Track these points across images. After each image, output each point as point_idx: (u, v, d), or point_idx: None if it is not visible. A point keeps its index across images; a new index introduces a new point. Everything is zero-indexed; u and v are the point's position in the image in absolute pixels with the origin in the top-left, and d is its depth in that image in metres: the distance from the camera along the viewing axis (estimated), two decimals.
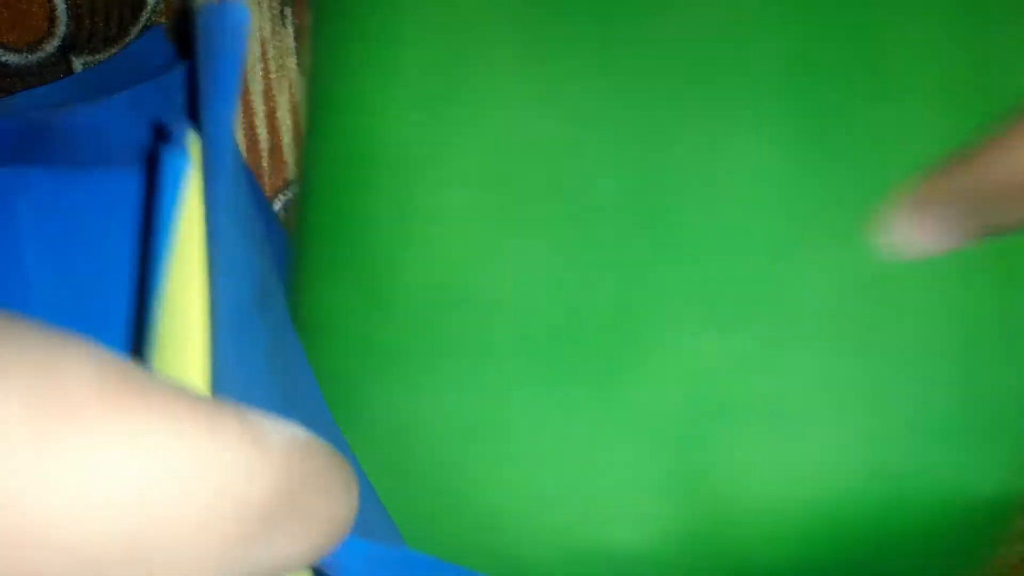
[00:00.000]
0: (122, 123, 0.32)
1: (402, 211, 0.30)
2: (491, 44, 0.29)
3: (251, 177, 0.38)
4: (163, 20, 0.38)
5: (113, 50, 0.38)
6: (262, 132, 0.39)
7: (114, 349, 0.13)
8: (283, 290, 0.33)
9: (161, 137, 0.28)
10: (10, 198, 0.29)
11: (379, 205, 0.30)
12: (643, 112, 0.28)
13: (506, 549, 0.28)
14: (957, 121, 0.27)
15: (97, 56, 0.38)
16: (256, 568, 0.13)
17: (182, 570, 0.12)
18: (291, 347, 0.31)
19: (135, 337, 0.28)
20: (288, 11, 0.38)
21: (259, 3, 0.38)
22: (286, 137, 0.39)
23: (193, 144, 0.21)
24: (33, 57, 0.38)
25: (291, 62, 0.38)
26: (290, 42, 0.38)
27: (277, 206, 0.39)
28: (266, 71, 0.39)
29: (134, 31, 0.38)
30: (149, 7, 0.38)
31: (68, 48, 0.38)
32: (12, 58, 0.38)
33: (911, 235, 0.26)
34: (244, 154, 0.39)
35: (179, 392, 0.13)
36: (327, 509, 0.15)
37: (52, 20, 0.38)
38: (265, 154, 0.39)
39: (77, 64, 0.38)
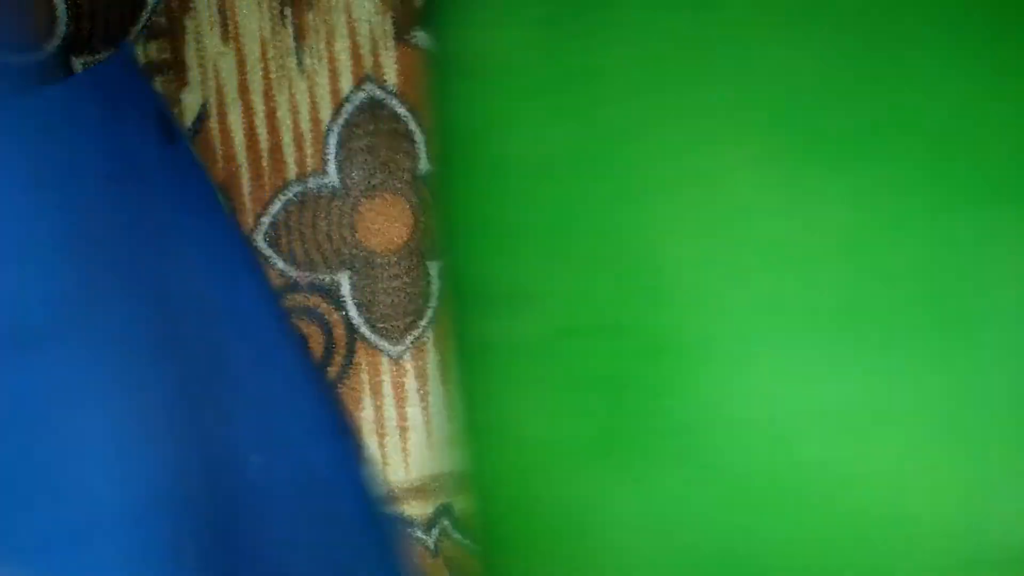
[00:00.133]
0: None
1: None
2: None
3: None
4: (162, 20, 0.38)
5: (113, 50, 0.38)
6: (262, 132, 0.39)
7: None
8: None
9: None
10: None
11: None
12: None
13: None
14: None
15: (97, 56, 0.38)
16: None
17: None
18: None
19: None
20: (288, 11, 0.38)
21: (259, 3, 0.38)
22: (286, 137, 0.39)
23: None
24: (33, 57, 0.38)
25: (291, 62, 0.38)
26: (290, 42, 0.38)
27: (277, 206, 0.39)
28: (266, 71, 0.39)
29: (134, 31, 0.38)
30: (149, 7, 0.38)
31: (68, 48, 0.38)
32: (12, 58, 0.38)
33: None
34: (244, 154, 0.39)
35: None
36: None
37: (52, 20, 0.38)
38: (265, 154, 0.39)
39: (77, 64, 0.38)
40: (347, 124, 0.39)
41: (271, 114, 0.39)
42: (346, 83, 0.39)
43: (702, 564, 0.26)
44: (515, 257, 0.28)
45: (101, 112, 0.34)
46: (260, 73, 0.39)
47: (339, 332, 0.39)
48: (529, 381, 0.28)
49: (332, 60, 0.39)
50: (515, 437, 0.29)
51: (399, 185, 0.39)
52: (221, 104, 0.39)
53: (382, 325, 0.39)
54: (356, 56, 0.39)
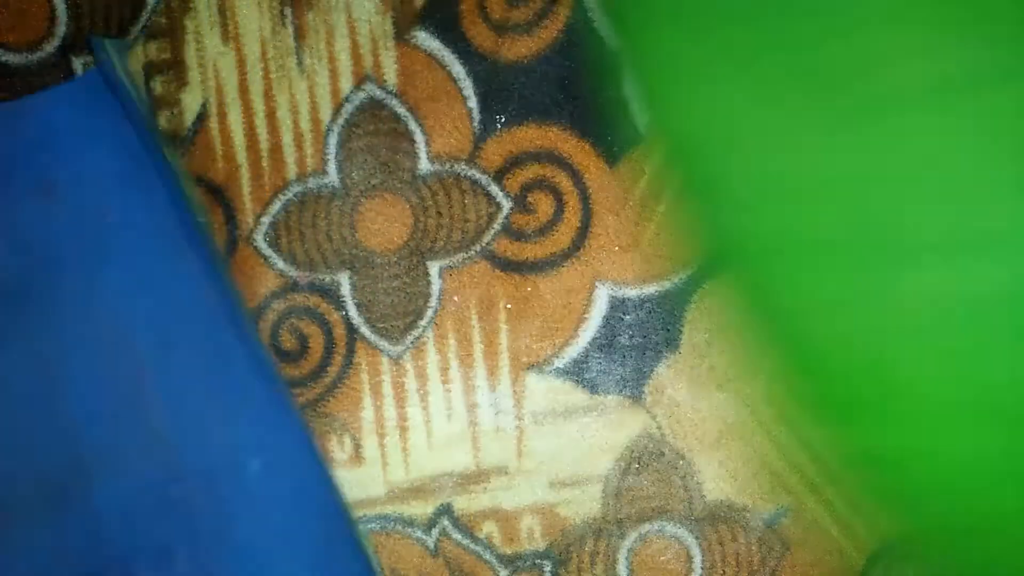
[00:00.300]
0: None
1: None
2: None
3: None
4: (162, 19, 0.38)
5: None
6: (262, 132, 0.39)
7: None
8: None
9: None
10: None
11: None
12: None
13: None
14: None
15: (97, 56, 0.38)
16: None
17: None
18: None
19: None
20: (288, 11, 0.38)
21: (259, 3, 0.38)
22: (286, 137, 0.39)
23: None
24: (33, 57, 0.38)
25: (291, 62, 0.38)
26: (290, 42, 0.38)
27: (277, 206, 0.39)
28: (266, 71, 0.39)
29: (134, 31, 0.38)
30: (149, 7, 0.38)
31: (68, 48, 0.38)
32: (12, 58, 0.38)
33: None
34: (244, 154, 0.39)
35: None
36: None
37: (52, 20, 0.38)
38: (265, 154, 0.39)
39: (77, 64, 0.38)
40: (347, 124, 0.39)
41: (271, 114, 0.39)
42: (346, 83, 0.39)
43: None
44: None
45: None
46: (260, 73, 0.39)
47: (339, 332, 0.39)
48: None
49: (332, 60, 0.39)
50: None
51: (399, 185, 0.39)
52: (221, 104, 0.39)
53: (382, 325, 0.39)
54: (356, 56, 0.39)
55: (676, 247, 0.40)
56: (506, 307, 0.40)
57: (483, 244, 0.39)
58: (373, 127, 0.39)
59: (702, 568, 0.41)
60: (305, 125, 0.39)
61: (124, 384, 0.35)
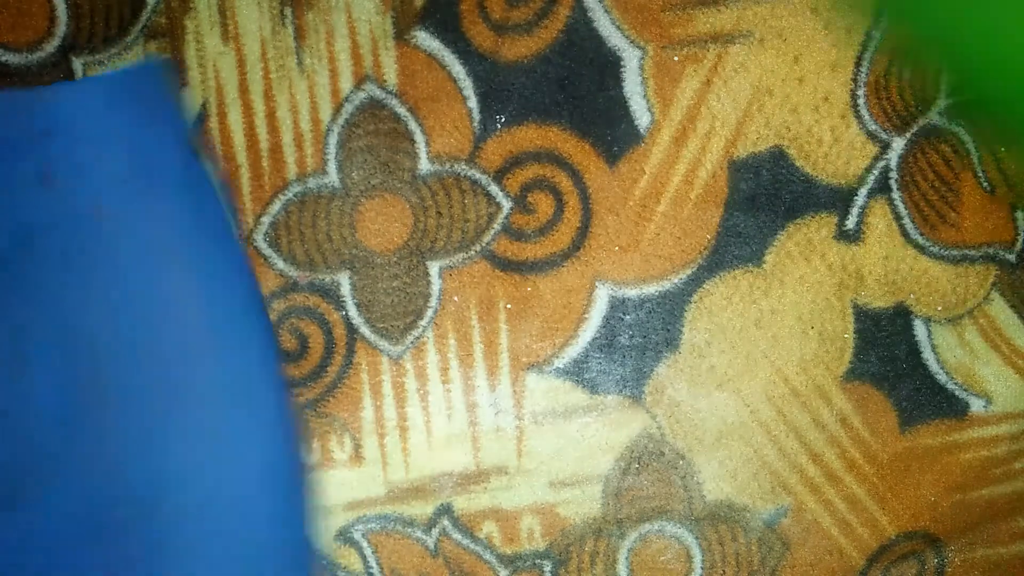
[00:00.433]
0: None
1: None
2: None
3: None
4: (163, 20, 0.38)
5: (113, 50, 0.38)
6: (262, 132, 0.39)
7: None
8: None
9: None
10: None
11: None
12: None
13: None
14: None
15: (97, 56, 0.38)
16: None
17: None
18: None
19: None
20: (288, 11, 0.38)
21: (259, 3, 0.38)
22: (286, 137, 0.39)
23: None
24: (33, 57, 0.38)
25: (291, 62, 0.38)
26: (290, 42, 0.38)
27: (277, 206, 0.39)
28: (266, 71, 0.39)
29: (134, 31, 0.38)
30: (149, 7, 0.38)
31: (68, 48, 0.38)
32: (12, 58, 0.38)
33: None
34: (244, 154, 0.39)
35: None
36: None
37: (52, 20, 0.38)
38: (265, 154, 0.39)
39: (77, 64, 0.38)
40: (347, 124, 0.39)
41: (271, 114, 0.39)
42: (346, 83, 0.39)
43: None
44: None
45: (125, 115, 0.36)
46: (260, 73, 0.39)
47: (339, 332, 0.39)
48: None
49: (332, 60, 0.39)
50: None
51: (399, 185, 0.39)
52: (221, 104, 0.39)
53: (382, 325, 0.39)
54: (356, 56, 0.39)
55: (676, 247, 0.40)
56: (506, 307, 0.40)
57: (483, 244, 0.39)
58: (373, 127, 0.39)
59: (702, 568, 0.41)
60: (305, 125, 0.39)
61: (84, 385, 0.34)
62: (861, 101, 0.39)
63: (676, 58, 0.39)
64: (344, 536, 0.40)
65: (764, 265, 0.40)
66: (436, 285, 0.39)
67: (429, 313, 0.39)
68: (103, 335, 0.34)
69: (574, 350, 0.40)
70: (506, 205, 0.39)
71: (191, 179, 0.36)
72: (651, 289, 0.40)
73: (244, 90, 0.38)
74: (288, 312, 0.39)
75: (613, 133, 0.39)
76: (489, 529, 0.41)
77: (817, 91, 0.39)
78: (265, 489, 0.36)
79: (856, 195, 0.40)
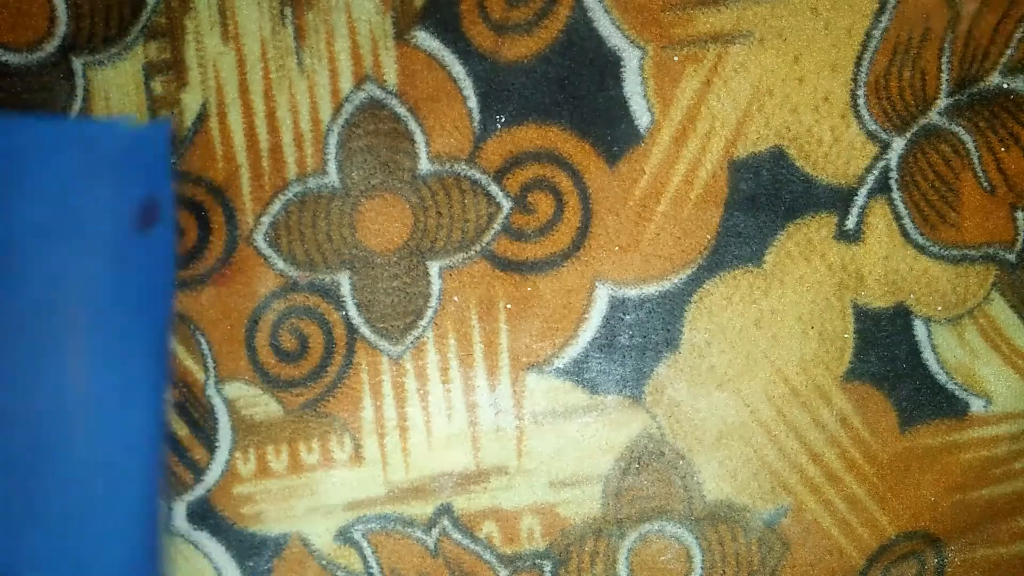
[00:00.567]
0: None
1: None
2: None
3: None
4: (163, 20, 0.38)
5: (113, 49, 0.38)
6: (262, 132, 0.39)
7: None
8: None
9: None
10: None
11: None
12: None
13: None
14: None
15: (97, 56, 0.38)
16: None
17: None
18: None
19: None
20: (288, 11, 0.38)
21: (259, 3, 0.38)
22: (286, 137, 0.39)
23: None
24: (33, 57, 0.38)
25: (291, 62, 0.38)
26: (290, 42, 0.38)
27: (277, 206, 0.39)
28: (266, 71, 0.39)
29: (134, 31, 0.38)
30: (149, 7, 0.38)
31: (68, 48, 0.38)
32: (12, 58, 0.38)
33: None
34: (244, 154, 0.39)
35: None
36: None
37: (52, 20, 0.38)
38: (265, 154, 0.39)
39: (77, 64, 0.38)
40: (347, 124, 0.39)
41: (271, 114, 0.39)
42: (346, 83, 0.39)
43: None
44: None
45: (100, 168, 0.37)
46: (260, 73, 0.39)
47: (339, 332, 0.40)
48: None
49: (332, 60, 0.39)
50: None
51: (399, 185, 0.39)
52: (221, 104, 0.39)
53: (382, 325, 0.39)
54: (356, 56, 0.39)
55: (676, 247, 0.40)
56: (506, 307, 0.40)
57: (483, 244, 0.39)
58: (373, 127, 0.39)
59: (702, 568, 0.41)
60: (305, 125, 0.39)
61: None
62: (861, 101, 0.39)
63: (676, 58, 0.39)
64: (344, 536, 0.40)
65: (764, 265, 0.40)
66: (436, 285, 0.39)
67: (429, 313, 0.39)
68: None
69: (574, 350, 0.40)
70: (506, 205, 0.39)
71: (118, 251, 0.37)
72: (651, 289, 0.40)
73: (244, 90, 0.38)
74: (288, 312, 0.39)
75: (613, 133, 0.39)
76: (489, 529, 0.41)
77: (817, 91, 0.39)
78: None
79: (856, 195, 0.40)
